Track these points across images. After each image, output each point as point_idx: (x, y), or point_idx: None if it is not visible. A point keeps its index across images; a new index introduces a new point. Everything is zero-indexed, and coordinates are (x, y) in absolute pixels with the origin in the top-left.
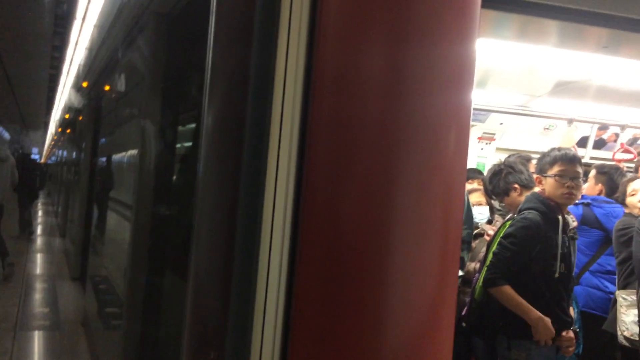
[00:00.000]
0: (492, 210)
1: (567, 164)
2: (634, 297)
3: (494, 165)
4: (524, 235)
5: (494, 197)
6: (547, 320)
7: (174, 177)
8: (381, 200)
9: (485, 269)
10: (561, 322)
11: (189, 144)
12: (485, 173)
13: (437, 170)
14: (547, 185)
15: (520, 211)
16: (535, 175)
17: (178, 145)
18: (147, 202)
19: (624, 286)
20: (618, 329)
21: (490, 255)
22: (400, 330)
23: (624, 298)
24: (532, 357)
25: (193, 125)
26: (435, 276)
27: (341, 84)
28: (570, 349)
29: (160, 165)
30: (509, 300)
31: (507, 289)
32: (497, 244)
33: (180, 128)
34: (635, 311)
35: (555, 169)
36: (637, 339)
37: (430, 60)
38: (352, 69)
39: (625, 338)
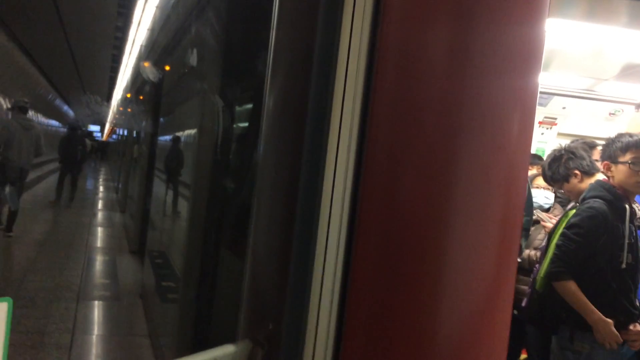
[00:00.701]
0: (555, 197)
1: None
2: None
3: (554, 150)
4: (590, 225)
5: (552, 183)
6: (609, 322)
7: (234, 156)
8: (442, 183)
9: (547, 260)
10: (628, 314)
11: (250, 123)
12: (545, 159)
13: (500, 154)
14: (617, 173)
15: (584, 199)
16: (603, 162)
17: (239, 125)
18: (206, 179)
19: None
20: None
21: (553, 246)
22: (456, 321)
23: None
24: (595, 349)
25: (255, 104)
26: (494, 266)
27: (405, 63)
28: (637, 343)
29: (220, 143)
30: (572, 297)
31: (572, 285)
32: (561, 235)
33: (241, 107)
34: None
35: (628, 156)
36: None
37: (497, 40)
38: (416, 48)
39: None
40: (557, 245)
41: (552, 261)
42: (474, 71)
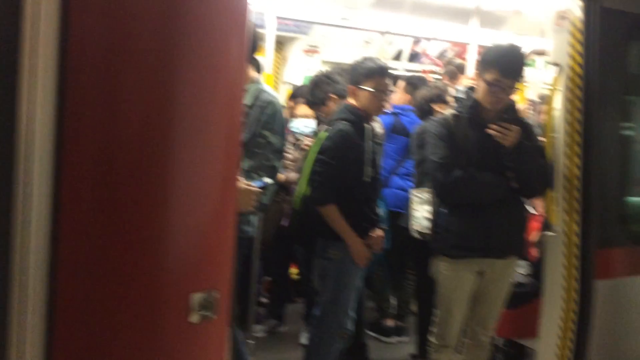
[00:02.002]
0: (319, 122)
1: (382, 77)
2: (426, 195)
3: (313, 75)
4: (341, 147)
5: (313, 107)
6: (361, 241)
7: None
8: (160, 106)
9: (303, 180)
10: (370, 221)
11: None
12: None
13: (220, 75)
14: (361, 97)
15: (332, 122)
16: (349, 86)
17: None
18: None
19: (418, 185)
20: (411, 223)
21: (308, 168)
22: (184, 241)
23: (416, 196)
24: (347, 255)
25: None
26: (219, 184)
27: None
28: (377, 246)
29: None
30: (333, 220)
31: (333, 209)
32: (317, 161)
33: None
34: (426, 207)
35: (371, 83)
36: (426, 232)
37: None
38: None
39: (417, 231)
40: (316, 172)
41: (313, 187)
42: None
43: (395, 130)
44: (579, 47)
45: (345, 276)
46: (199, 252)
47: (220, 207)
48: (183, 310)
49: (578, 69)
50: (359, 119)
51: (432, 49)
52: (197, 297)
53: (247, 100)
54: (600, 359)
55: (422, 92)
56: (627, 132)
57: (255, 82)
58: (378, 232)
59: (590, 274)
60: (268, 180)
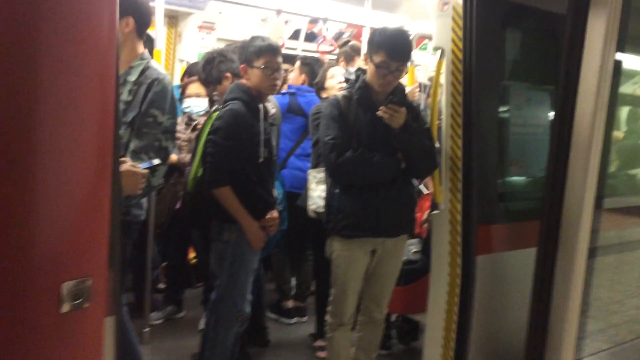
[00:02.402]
0: (213, 101)
1: (272, 56)
2: (322, 175)
3: (207, 53)
4: (233, 126)
5: (207, 85)
6: (257, 224)
7: None
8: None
9: (196, 162)
10: (265, 203)
11: None
12: None
13: (88, 49)
14: (253, 76)
15: (225, 102)
16: (241, 65)
17: None
18: None
19: (315, 165)
20: (307, 203)
21: (201, 148)
22: (56, 223)
23: (313, 176)
24: (241, 238)
25: None
26: (90, 166)
27: None
28: (273, 227)
29: None
30: (228, 202)
31: (227, 191)
32: (209, 142)
33: None
34: (322, 186)
35: (261, 61)
36: (321, 211)
37: None
38: None
39: (313, 211)
40: (209, 153)
41: (207, 170)
42: None
43: (292, 110)
44: (460, 32)
45: (242, 259)
46: (68, 239)
47: (91, 191)
48: (53, 300)
49: (459, 54)
50: (251, 98)
51: (329, 30)
52: (67, 287)
53: (132, 77)
54: (482, 330)
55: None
56: (505, 116)
57: (144, 58)
58: (273, 214)
59: (472, 250)
60: (156, 161)
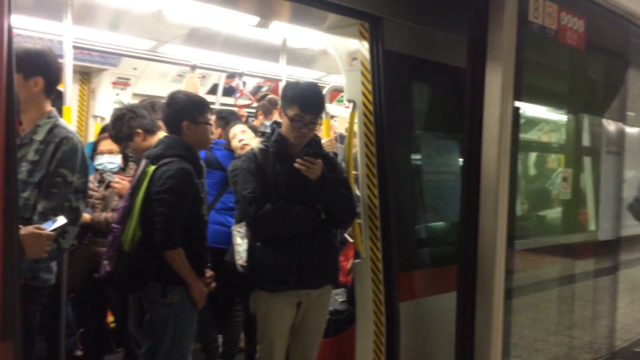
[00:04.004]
0: (126, 157)
1: (208, 111)
2: (246, 230)
3: (116, 109)
4: (183, 186)
5: (118, 142)
6: (202, 284)
7: None
8: None
9: (134, 220)
10: (204, 261)
11: None
12: None
13: None
14: (198, 132)
15: (160, 157)
16: (182, 121)
17: None
18: None
19: (239, 221)
20: (235, 258)
21: (138, 206)
22: None
23: (238, 231)
24: (184, 297)
25: None
26: None
27: None
28: (211, 285)
29: None
30: (179, 264)
31: (181, 253)
32: (162, 201)
33: None
34: (247, 241)
35: (207, 117)
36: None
37: None
38: None
39: (241, 266)
40: (162, 213)
41: (159, 230)
42: None
43: (209, 164)
44: (369, 85)
45: (185, 320)
46: None
47: None
48: None
49: (370, 106)
50: (193, 156)
51: (246, 84)
52: None
53: (39, 136)
54: None
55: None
56: (417, 164)
57: (51, 116)
58: (211, 272)
59: (395, 297)
60: (62, 220)
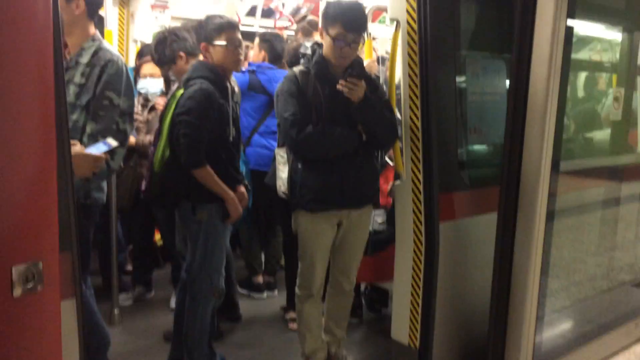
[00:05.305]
0: (169, 81)
1: (233, 32)
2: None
3: (158, 33)
4: (205, 106)
5: (161, 66)
6: (236, 198)
7: None
8: None
9: (163, 141)
10: (234, 180)
11: None
12: None
13: None
14: (215, 54)
15: (188, 80)
16: (200, 43)
17: None
18: None
19: (281, 144)
20: (277, 183)
21: (166, 128)
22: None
23: (281, 155)
24: (214, 215)
25: None
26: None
27: None
28: (244, 202)
29: None
30: (209, 180)
31: (208, 170)
32: (183, 123)
33: None
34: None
35: (223, 37)
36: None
37: None
38: None
39: (284, 193)
40: (184, 134)
41: (184, 151)
42: None
43: (252, 87)
44: (414, 3)
45: (215, 236)
46: (14, 223)
47: (36, 175)
48: (4, 284)
49: (414, 25)
50: (218, 77)
51: (286, 6)
52: (18, 270)
53: (84, 58)
54: (447, 293)
55: (292, 45)
56: (462, 85)
57: (95, 39)
58: (242, 189)
59: (435, 217)
60: (113, 143)
